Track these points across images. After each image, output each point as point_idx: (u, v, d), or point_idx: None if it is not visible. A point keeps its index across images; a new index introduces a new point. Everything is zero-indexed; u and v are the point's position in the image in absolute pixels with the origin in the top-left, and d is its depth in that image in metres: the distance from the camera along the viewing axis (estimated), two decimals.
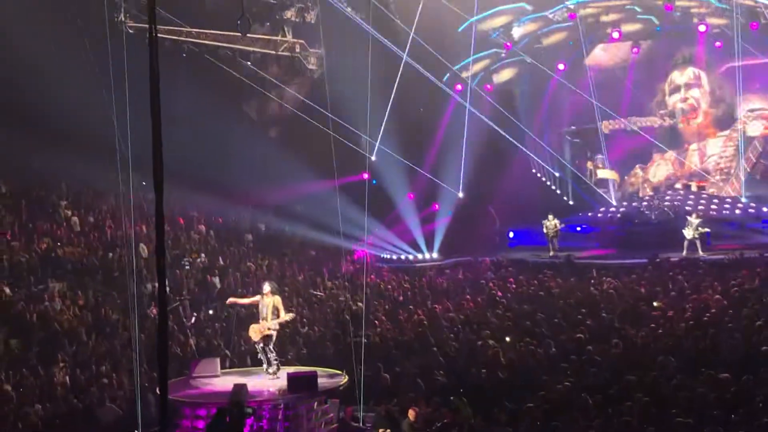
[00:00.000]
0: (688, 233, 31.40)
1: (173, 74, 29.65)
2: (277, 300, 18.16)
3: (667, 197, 39.13)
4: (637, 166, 43.49)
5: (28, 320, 22.44)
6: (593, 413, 14.95)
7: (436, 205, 38.99)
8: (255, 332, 18.08)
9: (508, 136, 38.70)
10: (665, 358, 17.63)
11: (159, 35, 7.49)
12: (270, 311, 17.95)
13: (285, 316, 18.33)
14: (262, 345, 18.18)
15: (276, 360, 18.17)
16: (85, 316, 23.55)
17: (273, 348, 18.15)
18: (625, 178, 43.65)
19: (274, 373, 17.99)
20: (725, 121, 41.52)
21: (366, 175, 37.72)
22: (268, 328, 17.91)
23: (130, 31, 30.51)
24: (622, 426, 14.13)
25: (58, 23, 29.30)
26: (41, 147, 29.89)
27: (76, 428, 17.23)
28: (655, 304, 22.95)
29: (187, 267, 28.75)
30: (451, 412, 16.30)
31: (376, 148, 35.76)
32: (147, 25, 7.59)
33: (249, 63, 36.23)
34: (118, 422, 17.68)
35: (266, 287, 18.31)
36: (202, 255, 30.20)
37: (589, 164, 43.55)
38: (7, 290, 23.88)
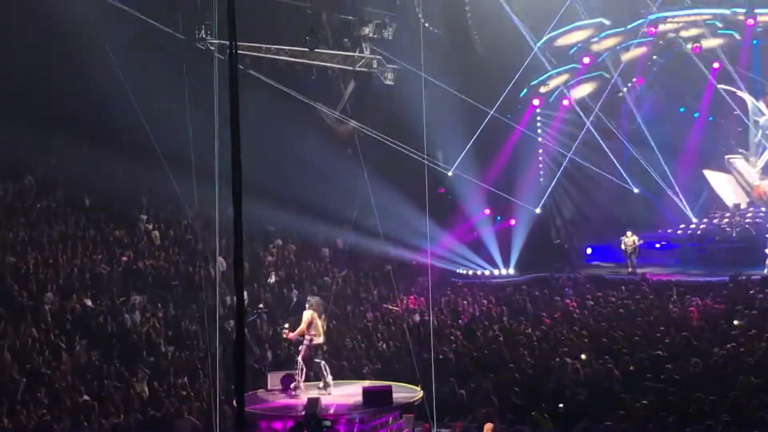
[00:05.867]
0: None
1: (252, 89, 29.96)
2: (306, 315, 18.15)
3: (749, 214, 38.35)
4: None
5: (109, 332, 22.83)
6: None
7: (513, 220, 38.76)
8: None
9: (578, 158, 38.58)
10: (746, 377, 17.33)
11: (238, 51, 7.57)
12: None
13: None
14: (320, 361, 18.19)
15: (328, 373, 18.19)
16: (165, 329, 23.90)
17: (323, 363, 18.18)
18: None
19: (324, 387, 17.96)
20: None
21: (442, 190, 37.84)
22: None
23: (211, 47, 30.86)
24: None
25: (141, 42, 29.80)
26: (124, 162, 30.40)
27: None
28: (735, 322, 22.58)
29: (271, 281, 29.13)
30: (532, 427, 16.22)
31: (455, 164, 35.88)
32: (227, 42, 7.66)
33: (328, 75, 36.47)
34: None
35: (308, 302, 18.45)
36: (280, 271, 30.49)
37: None
38: (89, 302, 24.31)
